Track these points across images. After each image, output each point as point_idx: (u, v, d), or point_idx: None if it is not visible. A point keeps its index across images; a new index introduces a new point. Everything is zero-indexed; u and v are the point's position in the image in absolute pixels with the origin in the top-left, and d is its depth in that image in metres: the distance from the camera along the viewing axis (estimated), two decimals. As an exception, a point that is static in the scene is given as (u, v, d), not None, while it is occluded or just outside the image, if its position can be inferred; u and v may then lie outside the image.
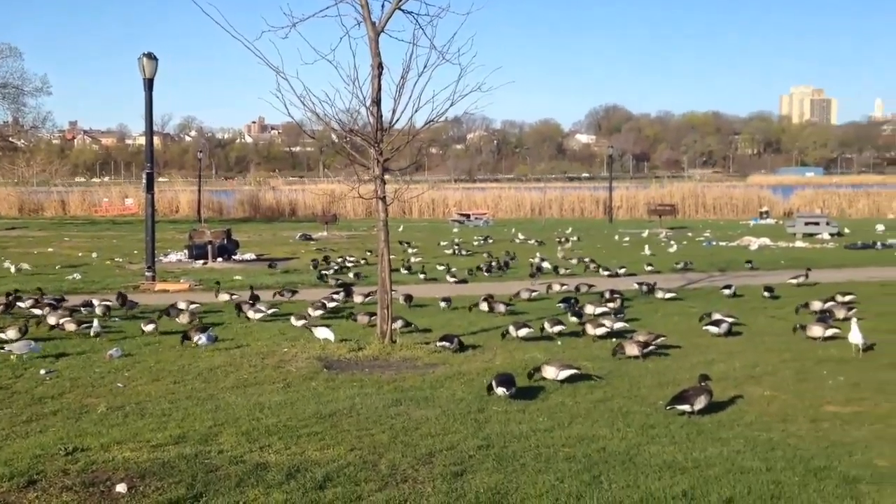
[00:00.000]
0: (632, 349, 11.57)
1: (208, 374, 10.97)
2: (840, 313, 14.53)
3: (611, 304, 16.09)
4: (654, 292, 18.04)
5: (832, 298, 16.25)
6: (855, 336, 11.80)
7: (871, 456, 7.44)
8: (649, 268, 23.59)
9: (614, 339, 12.64)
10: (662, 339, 12.32)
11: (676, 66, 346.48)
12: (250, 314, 15.25)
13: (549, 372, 10.18)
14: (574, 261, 25.75)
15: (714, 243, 34.91)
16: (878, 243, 32.00)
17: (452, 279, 21.83)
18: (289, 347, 12.66)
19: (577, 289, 18.76)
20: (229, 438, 8.00)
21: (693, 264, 24.54)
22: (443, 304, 16.73)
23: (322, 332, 12.85)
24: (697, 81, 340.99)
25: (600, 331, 13.17)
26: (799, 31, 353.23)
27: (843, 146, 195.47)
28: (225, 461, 7.35)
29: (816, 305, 15.30)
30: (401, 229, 42.93)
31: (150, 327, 13.82)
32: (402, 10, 12.43)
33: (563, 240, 35.62)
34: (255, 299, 16.63)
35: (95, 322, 13.92)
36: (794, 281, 19.77)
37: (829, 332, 12.80)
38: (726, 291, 18.47)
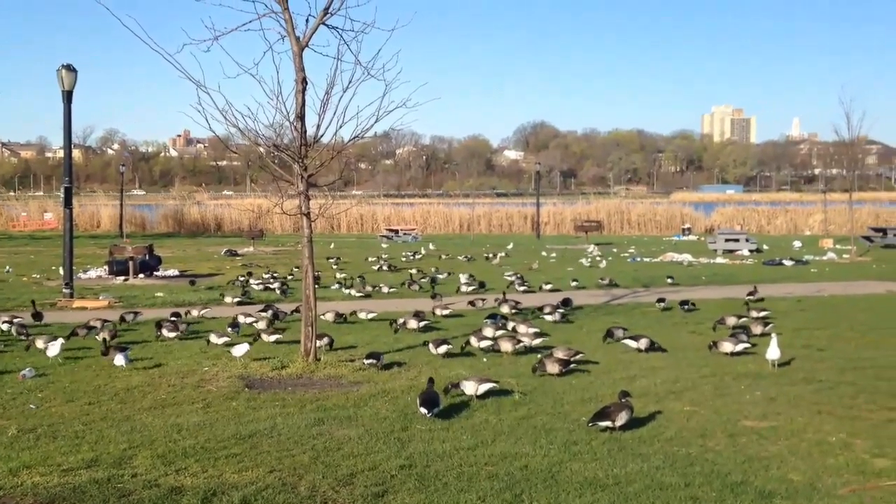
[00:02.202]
0: (552, 367, 11.63)
1: (125, 395, 10.67)
2: (756, 329, 14.84)
3: (549, 318, 16.79)
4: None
5: (748, 314, 16.66)
6: (772, 352, 12.07)
7: (786, 470, 7.58)
8: (574, 283, 23.82)
9: (538, 355, 12.69)
10: (581, 355, 12.43)
11: (602, 85, 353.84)
12: (164, 332, 14.87)
13: (468, 387, 10.19)
14: (513, 277, 25.56)
15: (639, 259, 35.49)
16: (784, 259, 32.74)
17: (359, 294, 22.07)
18: (210, 366, 12.39)
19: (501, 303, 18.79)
20: (144, 461, 7.77)
21: (617, 280, 24.87)
22: (366, 315, 17.22)
23: (239, 350, 12.63)
24: (622, 100, 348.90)
25: (514, 346, 13.22)
26: (720, 52, 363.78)
27: (762, 164, 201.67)
28: (138, 485, 7.14)
29: (731, 321, 15.61)
30: (332, 246, 42.76)
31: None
32: (327, 26, 12.37)
33: (491, 255, 35.80)
34: (176, 317, 16.32)
35: (56, 345, 12.81)
36: (749, 297, 20.02)
37: (739, 346, 13.07)
38: (659, 305, 18.85)
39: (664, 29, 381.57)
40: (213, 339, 14.06)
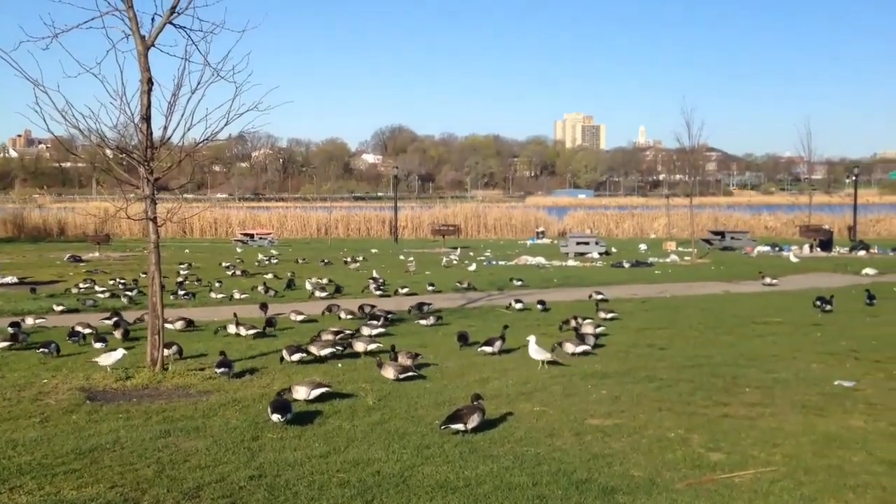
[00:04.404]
0: (388, 372, 11.66)
1: (-46, 411, 10.02)
2: (591, 329, 15.27)
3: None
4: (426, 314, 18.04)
5: (596, 315, 17.25)
6: (534, 353, 12.58)
7: (628, 466, 7.88)
8: (431, 287, 23.99)
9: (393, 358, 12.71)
10: (419, 357, 12.58)
11: (459, 90, 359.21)
12: None
13: (300, 392, 10.13)
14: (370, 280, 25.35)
15: (494, 262, 36.07)
16: (624, 262, 34.19)
17: (186, 297, 21.90)
18: (49, 378, 11.80)
19: (361, 308, 18.71)
20: (-26, 481, 7.32)
21: (475, 284, 25.20)
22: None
23: (109, 358, 12.10)
24: (479, 106, 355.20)
25: (319, 351, 13.18)
26: (572, 61, 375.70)
27: (611, 170, 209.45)
28: (-33, 508, 6.72)
29: (582, 322, 16.10)
30: (187, 251, 41.51)
31: None
32: (174, 25, 12.03)
33: (349, 260, 35.63)
34: (15, 326, 15.49)
35: None
36: (599, 297, 20.63)
37: (580, 348, 13.52)
38: (518, 305, 19.39)
39: (519, 37, 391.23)
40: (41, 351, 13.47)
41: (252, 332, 15.53)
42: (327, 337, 14.12)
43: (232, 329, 15.68)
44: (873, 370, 12.31)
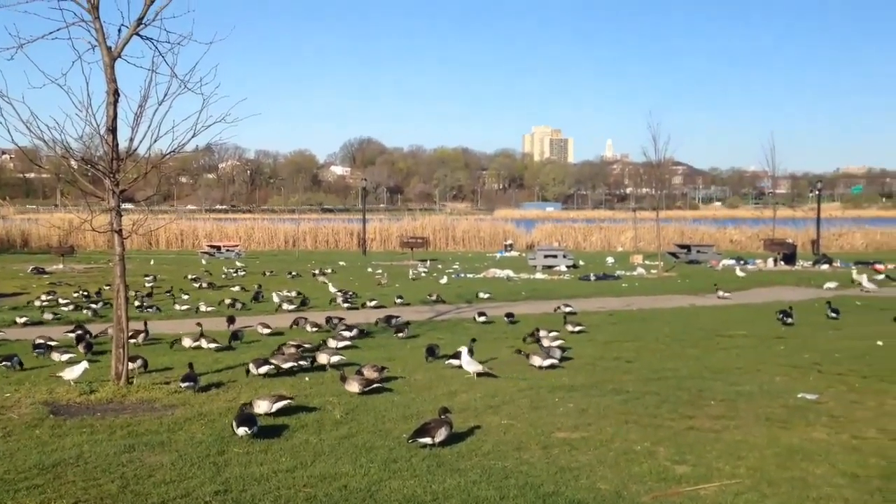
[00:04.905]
0: (352, 386, 11.63)
1: (-88, 427, 9.84)
2: (550, 343, 15.34)
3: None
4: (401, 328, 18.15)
5: (563, 328, 17.34)
6: (467, 364, 12.73)
7: (595, 479, 7.91)
8: (399, 300, 23.96)
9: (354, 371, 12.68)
10: (386, 371, 12.59)
11: (428, 103, 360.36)
12: None
13: (262, 406, 10.08)
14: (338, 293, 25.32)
15: (462, 275, 36.09)
16: (590, 275, 34.42)
17: (151, 309, 21.63)
18: (11, 392, 11.63)
19: (329, 320, 18.66)
20: (-67, 498, 7.20)
21: (444, 296, 25.21)
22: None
23: (73, 372, 11.95)
24: (448, 118, 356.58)
25: (287, 364, 13.18)
26: (539, 74, 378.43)
27: (579, 183, 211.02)
28: (-75, 525, 6.61)
29: (542, 335, 16.18)
30: (152, 262, 41.11)
31: None
32: (141, 36, 11.96)
33: (317, 272, 35.49)
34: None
35: None
36: (567, 309, 20.76)
37: (547, 362, 13.59)
38: (481, 319, 19.48)
39: (488, 50, 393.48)
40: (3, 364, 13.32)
41: (213, 345, 15.42)
42: (290, 350, 14.07)
43: (187, 343, 15.55)
44: (836, 383, 12.48)
